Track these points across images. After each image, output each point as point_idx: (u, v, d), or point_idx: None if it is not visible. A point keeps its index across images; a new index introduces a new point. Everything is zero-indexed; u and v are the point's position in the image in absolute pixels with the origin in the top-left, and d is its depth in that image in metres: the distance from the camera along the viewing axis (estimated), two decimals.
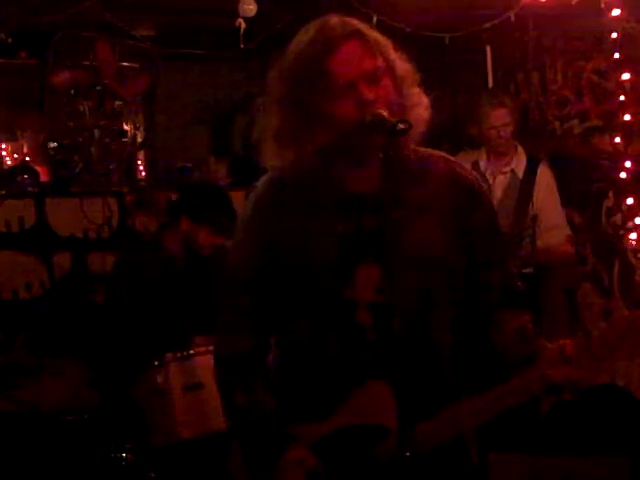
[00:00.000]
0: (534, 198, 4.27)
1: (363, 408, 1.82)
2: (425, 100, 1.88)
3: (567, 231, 4.36)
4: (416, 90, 1.85)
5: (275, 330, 1.94)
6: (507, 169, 4.43)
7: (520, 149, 4.46)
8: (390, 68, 1.79)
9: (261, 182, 1.94)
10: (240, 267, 1.92)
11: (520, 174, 4.37)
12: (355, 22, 1.79)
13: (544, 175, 4.35)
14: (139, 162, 5.39)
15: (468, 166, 4.58)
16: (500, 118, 4.35)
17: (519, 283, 1.99)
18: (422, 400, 1.72)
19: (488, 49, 5.11)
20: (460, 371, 1.88)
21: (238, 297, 1.92)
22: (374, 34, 1.80)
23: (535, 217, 4.26)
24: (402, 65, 1.82)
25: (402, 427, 1.57)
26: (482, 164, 4.48)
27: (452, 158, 1.98)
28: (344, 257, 1.83)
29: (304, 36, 1.80)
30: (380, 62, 1.77)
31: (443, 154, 1.97)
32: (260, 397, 1.89)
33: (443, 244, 1.85)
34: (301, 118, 1.77)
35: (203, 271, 3.52)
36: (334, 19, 1.79)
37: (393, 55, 1.81)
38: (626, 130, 4.38)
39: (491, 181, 4.43)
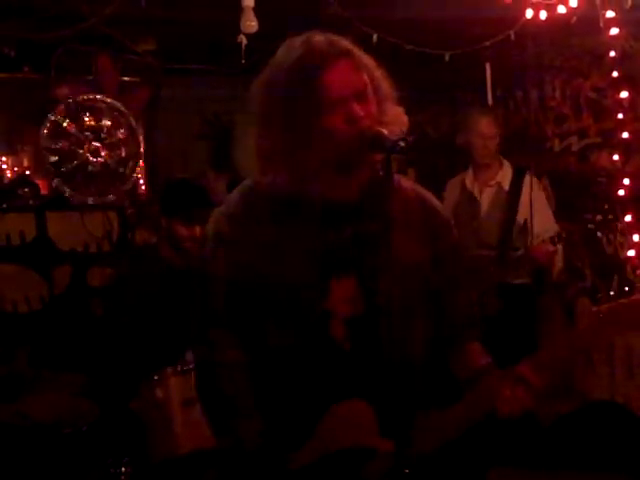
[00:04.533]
0: (522, 207, 4.28)
1: (342, 428, 1.81)
2: (404, 119, 1.89)
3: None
4: (395, 108, 1.88)
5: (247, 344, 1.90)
6: (493, 182, 4.46)
7: (506, 163, 4.50)
8: (375, 85, 1.82)
9: (234, 196, 1.92)
10: (220, 281, 1.88)
11: (506, 186, 4.40)
12: (342, 40, 1.82)
13: (530, 184, 4.34)
14: (139, 176, 5.41)
15: (457, 189, 4.68)
16: (487, 127, 4.40)
17: (476, 309, 2.04)
18: (396, 414, 1.71)
19: (487, 66, 5.14)
20: (430, 385, 1.88)
21: (221, 309, 1.89)
22: (360, 53, 1.83)
23: (525, 225, 4.28)
24: (384, 83, 1.85)
25: (399, 445, 1.56)
26: (468, 182, 4.55)
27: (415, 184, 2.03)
28: (321, 269, 1.83)
29: (290, 53, 1.79)
30: (367, 80, 1.80)
31: (406, 178, 2.03)
32: (257, 424, 1.87)
33: (417, 260, 1.88)
34: (294, 137, 1.77)
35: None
36: (318, 36, 1.80)
37: (377, 73, 1.84)
38: (624, 147, 4.41)
39: (478, 195, 4.49)
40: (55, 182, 4.89)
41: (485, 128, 4.40)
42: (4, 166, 5.23)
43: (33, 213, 4.90)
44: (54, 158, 4.88)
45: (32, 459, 3.63)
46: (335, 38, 1.81)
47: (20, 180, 5.12)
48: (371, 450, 1.80)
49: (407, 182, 1.99)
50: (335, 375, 1.83)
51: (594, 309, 1.72)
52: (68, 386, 4.09)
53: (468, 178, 4.56)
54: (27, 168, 5.26)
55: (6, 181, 5.14)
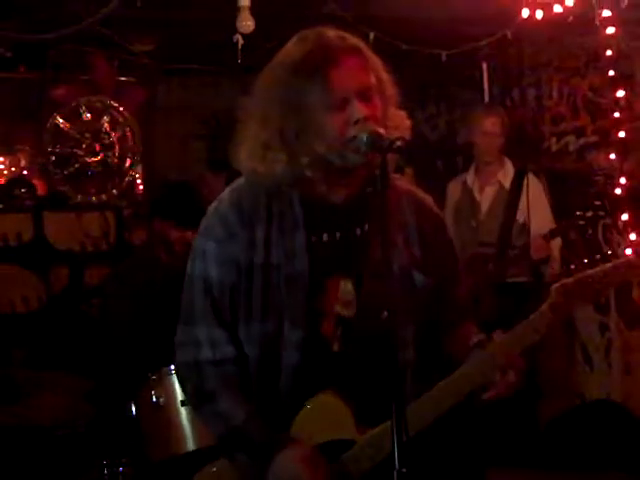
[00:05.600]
0: (522, 208, 4.28)
1: (317, 422, 1.81)
2: (407, 123, 1.88)
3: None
4: (399, 112, 1.88)
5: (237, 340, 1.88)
6: (494, 180, 4.51)
7: (508, 162, 4.53)
8: (381, 88, 1.82)
9: (225, 194, 1.90)
10: (215, 277, 1.86)
11: (507, 186, 4.41)
12: (352, 37, 1.81)
13: (531, 185, 4.34)
14: (137, 176, 5.41)
15: (459, 188, 4.74)
16: (492, 126, 4.43)
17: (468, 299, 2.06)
18: (382, 413, 1.67)
19: (484, 66, 5.15)
20: (420, 384, 1.86)
21: (215, 306, 1.87)
22: (370, 53, 1.82)
23: (524, 225, 4.30)
24: (390, 86, 1.85)
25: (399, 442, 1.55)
26: (469, 180, 4.59)
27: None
28: (316, 268, 1.82)
29: (300, 45, 1.79)
30: (373, 80, 1.79)
31: (401, 178, 2.03)
32: (245, 404, 1.85)
33: (410, 260, 1.88)
34: (295, 127, 1.77)
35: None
36: (330, 31, 1.80)
37: (384, 76, 1.84)
38: (621, 146, 4.41)
39: (478, 195, 4.54)
40: (62, 187, 4.90)
41: (489, 127, 4.42)
42: (1, 166, 5.23)
43: (30, 213, 4.90)
44: (55, 161, 4.90)
45: (30, 461, 3.63)
46: (347, 35, 1.81)
47: (17, 180, 5.12)
48: (348, 441, 1.80)
49: (401, 182, 1.99)
50: (320, 373, 1.82)
51: (555, 286, 1.77)
52: (66, 387, 4.09)
53: (469, 177, 4.61)
54: (24, 168, 5.26)
55: (3, 181, 5.14)
